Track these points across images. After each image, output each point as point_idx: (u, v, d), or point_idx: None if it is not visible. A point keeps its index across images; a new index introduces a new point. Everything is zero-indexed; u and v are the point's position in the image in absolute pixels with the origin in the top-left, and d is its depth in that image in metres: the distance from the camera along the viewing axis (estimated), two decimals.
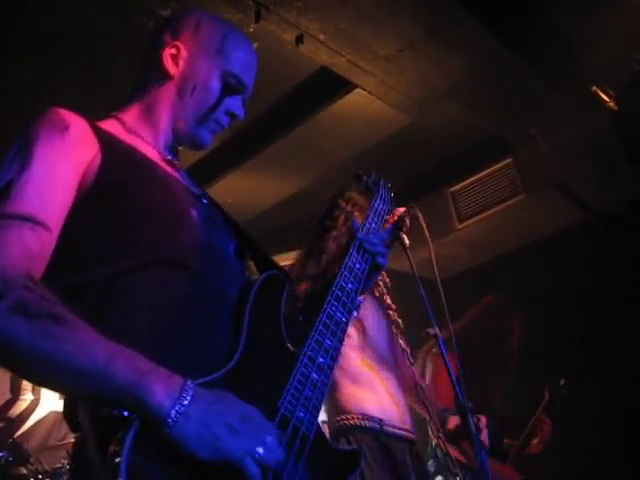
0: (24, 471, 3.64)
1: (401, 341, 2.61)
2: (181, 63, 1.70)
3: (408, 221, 2.49)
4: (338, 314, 1.62)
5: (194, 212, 1.58)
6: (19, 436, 4.28)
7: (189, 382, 1.22)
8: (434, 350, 3.75)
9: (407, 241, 2.59)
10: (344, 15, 3.51)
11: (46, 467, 3.66)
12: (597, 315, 4.76)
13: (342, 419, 2.56)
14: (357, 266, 1.77)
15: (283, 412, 1.35)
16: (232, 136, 4.77)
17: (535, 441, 3.95)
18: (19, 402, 4.46)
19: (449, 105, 4.40)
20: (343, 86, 4.14)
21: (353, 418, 2.54)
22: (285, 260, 5.77)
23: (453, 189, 5.02)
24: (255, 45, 3.68)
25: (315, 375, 1.46)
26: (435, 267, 2.43)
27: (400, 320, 2.65)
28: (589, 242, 4.86)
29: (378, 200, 2.18)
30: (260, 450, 1.21)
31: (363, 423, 2.52)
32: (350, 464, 1.49)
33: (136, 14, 3.41)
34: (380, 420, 2.53)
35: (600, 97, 4.23)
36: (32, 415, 4.50)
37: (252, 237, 1.75)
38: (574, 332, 4.82)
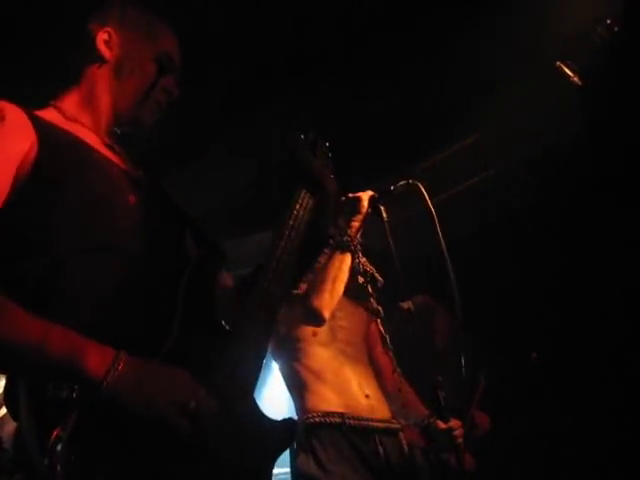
0: None
1: (381, 328, 2.60)
2: (115, 48, 1.75)
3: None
4: (273, 286, 1.63)
5: (132, 196, 1.60)
6: None
7: (122, 352, 1.28)
8: None
9: (385, 215, 2.61)
10: None
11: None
12: (571, 291, 4.80)
13: (307, 418, 2.57)
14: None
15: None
16: None
17: (473, 436, 3.94)
18: None
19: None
20: None
21: (315, 416, 2.55)
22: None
23: (423, 166, 5.01)
24: None
25: (249, 351, 1.50)
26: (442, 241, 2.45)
27: (380, 307, 2.63)
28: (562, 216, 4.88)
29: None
30: (192, 404, 1.26)
31: (325, 420, 2.53)
32: (287, 434, 1.59)
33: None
34: (342, 414, 2.53)
35: (564, 72, 4.25)
36: None
37: (193, 217, 1.78)
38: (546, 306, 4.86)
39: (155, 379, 1.26)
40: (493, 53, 4.24)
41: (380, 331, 2.55)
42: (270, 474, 1.53)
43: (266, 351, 1.57)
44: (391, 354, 2.56)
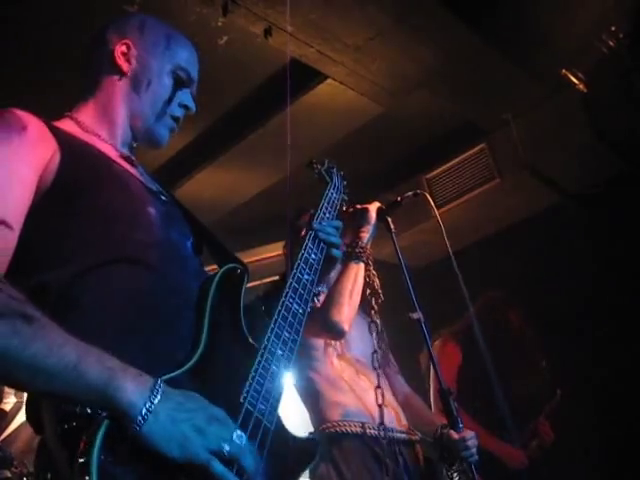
0: (8, 474, 3.62)
1: (375, 342, 2.60)
2: (132, 60, 1.74)
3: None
4: (295, 306, 1.64)
5: (151, 209, 1.60)
6: (3, 440, 4.26)
7: (159, 381, 1.24)
8: (437, 340, 3.80)
9: (392, 226, 2.62)
10: (312, 6, 3.51)
11: (31, 469, 3.65)
12: (575, 296, 4.80)
13: (325, 427, 2.54)
14: (312, 257, 1.80)
15: (247, 407, 1.38)
16: (205, 130, 4.76)
17: (534, 444, 3.94)
18: (1, 406, 4.44)
19: (422, 93, 4.40)
20: (314, 77, 4.14)
21: (335, 426, 2.52)
22: (269, 252, 5.79)
23: (428, 176, 5.02)
24: (224, 39, 3.69)
25: (275, 367, 1.50)
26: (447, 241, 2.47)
27: (378, 321, 2.63)
28: (564, 224, 4.90)
29: (331, 189, 2.20)
30: (227, 447, 1.23)
31: (346, 429, 2.50)
32: (310, 452, 1.55)
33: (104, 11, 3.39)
34: (363, 424, 2.50)
35: (570, 80, 4.26)
36: (16, 418, 4.47)
37: (211, 232, 1.77)
38: (553, 315, 4.85)
39: (191, 417, 1.22)
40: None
41: (373, 345, 2.55)
42: None
43: (289, 369, 1.56)
44: (379, 371, 2.55)
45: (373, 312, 2.60)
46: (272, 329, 1.55)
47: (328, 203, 2.10)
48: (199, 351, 1.39)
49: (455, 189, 4.91)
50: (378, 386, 2.52)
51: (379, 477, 2.43)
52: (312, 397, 2.63)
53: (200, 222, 1.80)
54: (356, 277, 2.52)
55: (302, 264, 1.75)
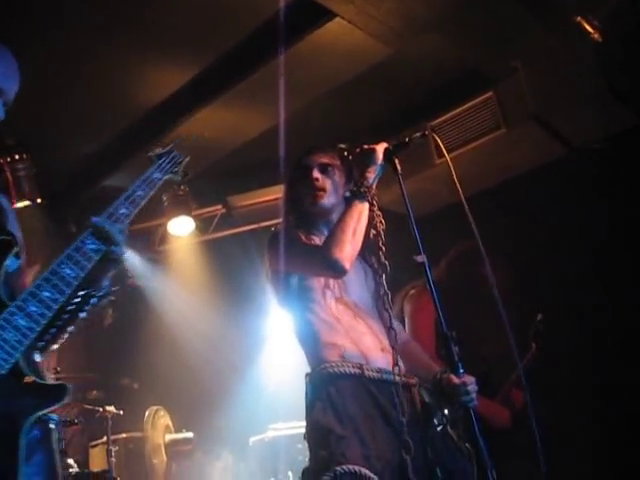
0: None
1: (385, 284, 2.55)
2: None
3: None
4: (67, 270, 1.82)
5: None
6: None
7: None
8: (412, 292, 3.74)
9: (399, 167, 2.56)
10: None
11: None
12: (576, 251, 4.79)
13: (323, 367, 2.48)
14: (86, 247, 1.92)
15: None
16: (207, 68, 4.66)
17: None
18: None
19: (431, 37, 4.30)
20: (322, 15, 4.03)
21: (333, 366, 2.46)
22: (270, 194, 5.73)
23: (434, 122, 4.93)
24: None
25: (22, 321, 1.70)
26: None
27: (387, 262, 2.58)
28: (570, 178, 4.84)
29: (150, 175, 2.31)
30: None
31: (344, 370, 2.45)
32: (53, 396, 1.72)
33: None
34: (361, 365, 2.46)
35: (584, 28, 4.15)
36: None
37: None
38: (554, 268, 4.85)
39: None
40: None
41: (383, 287, 2.50)
42: (18, 435, 1.61)
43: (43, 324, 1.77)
44: (390, 312, 2.51)
45: (381, 253, 2.55)
46: (28, 289, 1.75)
47: (127, 198, 2.16)
48: None
49: (460, 137, 4.83)
50: (391, 327, 2.48)
51: (375, 418, 2.41)
52: (310, 338, 2.60)
53: None
54: (360, 216, 2.47)
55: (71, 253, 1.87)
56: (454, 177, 2.45)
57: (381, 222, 2.54)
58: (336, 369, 2.46)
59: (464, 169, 4.96)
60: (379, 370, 2.48)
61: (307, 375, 2.57)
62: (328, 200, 2.66)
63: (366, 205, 2.50)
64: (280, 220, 2.80)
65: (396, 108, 5.01)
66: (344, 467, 2.26)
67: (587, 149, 4.92)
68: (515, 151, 4.86)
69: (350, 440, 2.33)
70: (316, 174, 2.66)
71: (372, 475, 2.26)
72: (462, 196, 2.40)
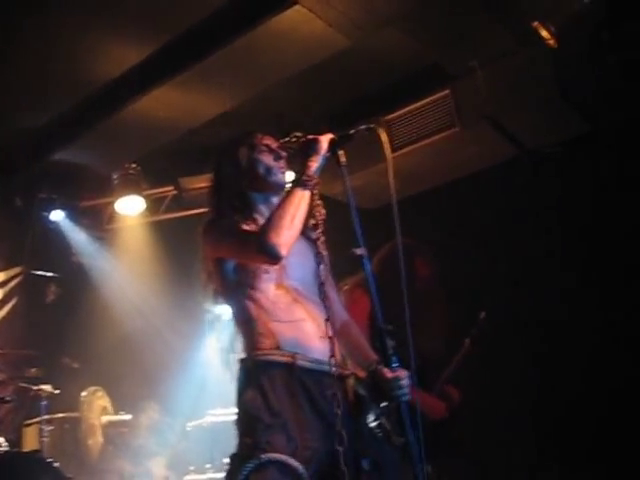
0: None
1: (322, 274, 2.53)
2: None
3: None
4: None
5: None
6: None
7: None
8: (345, 287, 3.75)
9: (344, 159, 2.54)
10: None
11: None
12: (522, 251, 4.86)
13: (256, 355, 2.47)
14: None
15: None
16: (166, 46, 4.59)
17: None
18: None
19: (391, 30, 4.30)
20: (282, 2, 3.99)
21: (266, 354, 2.45)
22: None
23: (389, 117, 4.94)
24: None
25: None
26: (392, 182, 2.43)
27: (325, 252, 2.57)
28: (520, 180, 4.91)
29: None
30: None
31: (277, 358, 2.44)
32: None
33: None
34: (294, 354, 2.44)
35: (541, 34, 4.19)
36: None
37: None
38: (500, 268, 4.91)
39: None
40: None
41: (320, 277, 2.49)
42: None
43: None
44: (326, 303, 2.50)
45: (319, 243, 2.53)
46: None
47: None
48: None
49: (414, 133, 4.85)
50: (327, 319, 2.47)
51: (305, 408, 2.39)
52: (246, 324, 2.57)
53: None
54: (299, 203, 2.44)
55: None
56: (391, 176, 2.44)
57: (320, 212, 2.52)
58: (269, 357, 2.44)
59: (417, 165, 5.01)
60: (313, 360, 2.46)
61: (240, 361, 2.54)
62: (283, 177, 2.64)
63: (307, 193, 2.47)
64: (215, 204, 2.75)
65: (352, 100, 5.00)
66: (269, 455, 2.25)
67: (538, 153, 4.99)
68: (468, 150, 4.90)
69: (277, 429, 2.32)
70: (281, 152, 2.63)
71: (297, 465, 2.26)
72: (394, 194, 2.39)
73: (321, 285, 2.49)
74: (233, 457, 2.41)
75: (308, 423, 2.37)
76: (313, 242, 2.61)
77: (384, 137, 2.43)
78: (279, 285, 2.58)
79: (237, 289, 2.60)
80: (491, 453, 4.54)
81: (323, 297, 2.48)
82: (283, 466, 2.27)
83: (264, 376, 2.42)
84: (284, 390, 2.40)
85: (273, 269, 2.57)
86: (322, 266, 2.51)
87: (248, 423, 2.38)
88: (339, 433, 2.29)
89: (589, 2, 4.07)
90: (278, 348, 2.46)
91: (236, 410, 2.49)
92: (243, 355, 2.57)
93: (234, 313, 2.65)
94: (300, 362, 2.44)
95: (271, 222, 2.43)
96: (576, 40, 4.17)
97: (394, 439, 2.52)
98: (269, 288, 2.56)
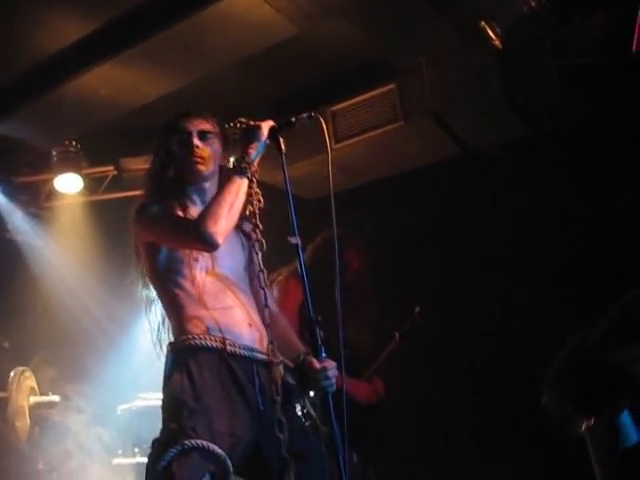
0: None
1: (260, 262, 2.53)
2: None
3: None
4: None
5: None
6: None
7: None
8: (279, 278, 3.75)
9: (283, 147, 2.54)
10: None
11: None
12: (458, 249, 4.92)
13: (184, 339, 2.47)
14: None
15: None
16: (112, 22, 4.49)
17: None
18: None
19: (339, 20, 4.30)
20: None
21: (195, 338, 2.45)
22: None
23: (334, 108, 4.94)
24: None
25: None
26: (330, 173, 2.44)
27: (263, 240, 2.56)
28: (460, 178, 4.97)
29: None
30: None
31: (206, 343, 2.44)
32: None
33: None
34: (223, 339, 2.45)
35: (487, 34, 4.24)
36: None
37: None
38: (435, 264, 4.97)
39: None
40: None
41: (259, 265, 2.49)
42: None
43: None
44: (266, 290, 2.50)
45: (257, 231, 2.52)
46: None
47: None
48: None
49: (358, 125, 4.87)
50: (266, 305, 2.47)
51: (232, 394, 2.40)
52: (174, 309, 2.55)
53: None
54: (238, 191, 2.44)
55: None
56: (329, 168, 2.46)
57: (259, 200, 2.52)
58: (198, 341, 2.44)
59: (360, 157, 5.04)
60: (243, 347, 2.47)
61: (169, 345, 2.54)
62: (206, 168, 2.60)
63: (245, 181, 2.47)
64: (148, 187, 2.72)
65: (298, 88, 4.98)
66: (192, 441, 2.25)
67: (480, 152, 5.05)
68: (411, 145, 4.94)
69: (202, 415, 2.32)
70: (196, 141, 2.59)
71: (220, 452, 2.26)
72: (331, 183, 2.41)
73: (260, 272, 2.50)
74: (156, 442, 2.40)
75: (235, 410, 2.38)
76: (244, 232, 2.60)
77: (324, 126, 2.44)
78: (209, 272, 2.57)
79: (166, 274, 2.57)
80: (419, 448, 4.59)
81: (264, 285, 2.49)
82: (206, 452, 2.27)
83: (192, 361, 2.42)
84: (212, 376, 2.40)
85: (203, 257, 2.56)
86: (260, 254, 2.51)
87: (174, 408, 2.38)
88: (279, 420, 2.30)
89: (536, 5, 4.13)
90: (207, 333, 2.45)
91: (162, 395, 2.49)
92: (171, 340, 2.57)
93: (163, 298, 2.62)
94: (230, 348, 2.44)
95: (209, 210, 2.42)
96: (521, 42, 4.23)
97: (320, 428, 2.55)
98: (199, 275, 2.54)
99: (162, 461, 2.27)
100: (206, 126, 2.64)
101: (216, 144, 2.65)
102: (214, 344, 2.44)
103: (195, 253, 2.54)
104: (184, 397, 2.36)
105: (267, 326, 2.43)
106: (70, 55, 4.65)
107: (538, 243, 4.66)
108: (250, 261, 2.67)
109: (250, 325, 2.54)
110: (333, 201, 2.41)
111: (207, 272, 2.56)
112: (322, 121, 2.46)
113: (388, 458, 4.03)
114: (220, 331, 2.47)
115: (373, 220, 4.92)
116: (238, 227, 2.61)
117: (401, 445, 4.23)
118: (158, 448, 2.36)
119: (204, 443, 2.26)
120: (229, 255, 2.62)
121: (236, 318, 2.53)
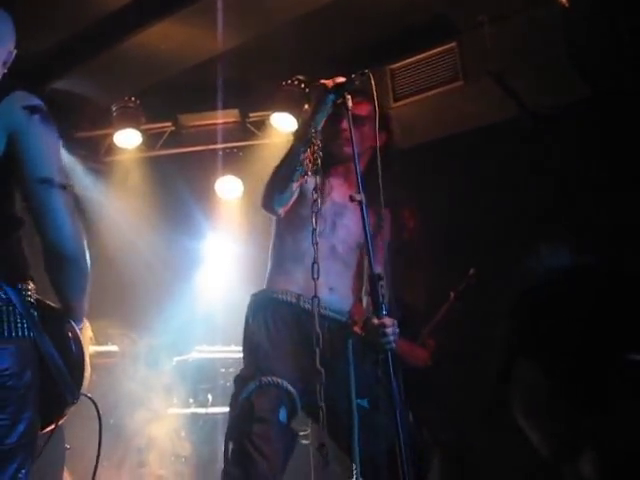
0: None
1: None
2: None
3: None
4: None
5: None
6: None
7: None
8: None
9: (350, 103, 2.56)
10: None
11: None
12: (516, 211, 4.86)
13: (268, 291, 2.79)
14: None
15: None
16: None
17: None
18: None
19: None
20: None
21: (275, 292, 2.75)
22: (218, 118, 5.64)
23: (393, 66, 4.89)
24: None
25: None
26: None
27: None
28: (520, 139, 4.89)
29: None
30: None
31: (282, 297, 2.72)
32: None
33: None
34: (299, 296, 2.69)
35: None
36: None
37: None
38: (492, 226, 4.92)
39: None
40: None
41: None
42: None
43: None
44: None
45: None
46: None
47: None
48: None
49: (417, 84, 4.81)
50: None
51: (301, 344, 2.61)
52: (271, 261, 2.86)
53: None
54: (292, 157, 2.65)
55: None
56: (376, 125, 2.51)
57: (315, 158, 2.59)
58: (275, 295, 2.74)
59: (418, 116, 4.98)
60: (318, 305, 2.55)
61: (253, 295, 2.84)
62: (349, 149, 2.59)
63: (301, 148, 2.59)
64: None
65: (358, 46, 4.93)
66: (268, 378, 2.54)
67: (540, 113, 4.96)
68: (470, 105, 4.86)
69: (275, 358, 2.61)
70: (345, 125, 2.62)
71: (292, 389, 2.54)
72: (378, 142, 2.47)
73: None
74: (237, 379, 2.70)
75: (302, 358, 2.57)
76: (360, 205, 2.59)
77: (373, 84, 2.48)
78: (322, 236, 2.62)
79: (279, 225, 2.87)
80: (471, 409, 4.62)
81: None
82: (281, 388, 2.54)
83: (269, 311, 2.72)
84: (284, 326, 2.68)
85: (322, 222, 2.65)
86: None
87: (252, 349, 2.71)
88: (318, 370, 2.42)
89: None
90: (285, 290, 2.74)
91: (243, 336, 2.81)
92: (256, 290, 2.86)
93: (273, 242, 2.91)
94: (303, 304, 2.68)
95: (268, 178, 2.73)
96: (588, 2, 4.12)
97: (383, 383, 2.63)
98: (305, 237, 2.66)
99: (243, 394, 2.56)
100: (360, 110, 2.74)
101: (366, 127, 2.75)
102: (290, 299, 2.71)
103: (315, 216, 2.57)
104: (260, 341, 2.66)
105: (371, 293, 2.44)
106: (130, 12, 4.69)
107: (597, 207, 4.58)
108: (357, 228, 2.67)
109: (331, 289, 2.71)
110: (379, 159, 2.50)
111: (320, 235, 2.57)
112: (372, 79, 2.48)
113: (442, 420, 4.09)
114: (300, 288, 2.71)
115: (429, 180, 4.89)
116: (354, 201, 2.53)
117: (454, 406, 4.26)
118: (239, 383, 2.65)
119: (278, 380, 2.54)
120: (347, 228, 2.81)
121: (322, 280, 2.57)
